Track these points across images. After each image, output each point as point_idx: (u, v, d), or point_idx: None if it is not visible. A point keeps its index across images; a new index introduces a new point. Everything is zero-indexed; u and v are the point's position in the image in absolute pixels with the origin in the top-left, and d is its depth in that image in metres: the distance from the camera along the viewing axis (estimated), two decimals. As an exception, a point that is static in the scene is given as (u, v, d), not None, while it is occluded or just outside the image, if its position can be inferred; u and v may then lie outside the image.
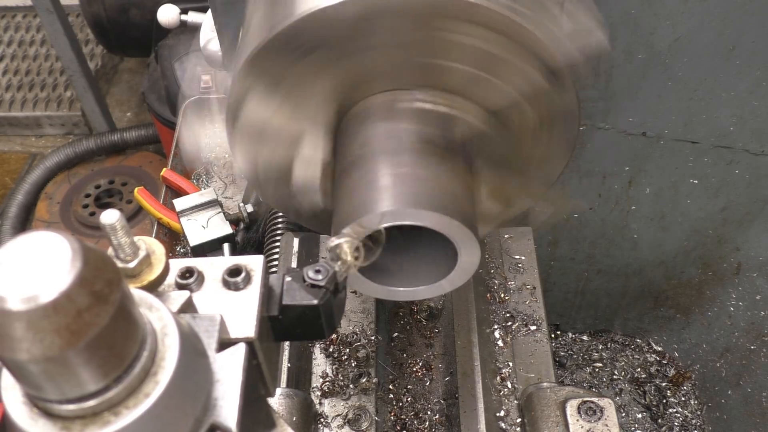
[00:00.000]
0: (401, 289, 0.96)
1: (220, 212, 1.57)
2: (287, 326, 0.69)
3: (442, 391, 1.24)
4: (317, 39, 0.85)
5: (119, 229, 0.56)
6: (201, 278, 0.67)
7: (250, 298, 0.65)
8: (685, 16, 1.32)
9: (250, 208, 1.59)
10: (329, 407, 1.18)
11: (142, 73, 3.78)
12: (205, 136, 0.96)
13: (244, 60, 0.88)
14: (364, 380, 1.19)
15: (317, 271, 0.70)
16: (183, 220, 1.55)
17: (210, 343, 0.57)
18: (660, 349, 2.24)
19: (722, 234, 1.80)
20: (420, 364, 1.27)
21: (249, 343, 0.61)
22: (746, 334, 1.91)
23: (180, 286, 0.66)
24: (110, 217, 0.55)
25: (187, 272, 0.66)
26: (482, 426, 1.10)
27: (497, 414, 1.18)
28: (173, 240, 1.66)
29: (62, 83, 3.80)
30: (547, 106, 0.91)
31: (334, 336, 1.24)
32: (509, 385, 1.21)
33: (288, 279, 0.69)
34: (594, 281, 2.09)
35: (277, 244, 1.37)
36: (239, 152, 1.01)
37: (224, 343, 0.59)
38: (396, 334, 1.32)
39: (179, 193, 1.68)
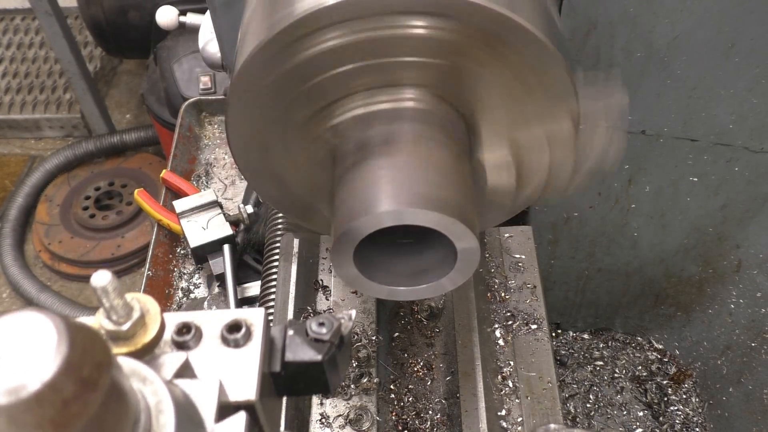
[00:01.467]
0: (402, 288, 0.96)
1: (220, 213, 1.57)
2: (289, 382, 0.66)
3: (443, 391, 1.24)
4: (334, 32, 0.84)
5: (111, 291, 0.53)
6: (199, 334, 0.63)
7: (251, 356, 0.62)
8: (684, 14, 1.32)
9: (250, 209, 1.59)
10: (330, 407, 1.18)
11: (141, 74, 3.78)
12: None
13: (245, 58, 0.88)
14: (365, 380, 1.19)
15: (321, 324, 0.66)
16: (183, 221, 1.55)
17: (208, 413, 0.55)
18: (661, 347, 2.24)
19: (722, 231, 1.80)
20: (421, 363, 1.28)
21: (250, 406, 0.59)
22: (747, 331, 1.91)
23: (177, 344, 0.62)
24: (101, 279, 0.52)
25: (184, 328, 0.63)
26: (484, 425, 1.10)
27: (498, 413, 1.18)
28: (173, 241, 1.66)
29: (61, 85, 3.80)
30: (520, 63, 0.89)
31: (335, 336, 1.24)
32: (510, 384, 1.21)
33: (290, 332, 0.66)
34: (594, 280, 2.09)
35: (278, 244, 1.37)
36: (239, 154, 1.02)
37: (224, 407, 0.57)
38: (397, 333, 1.32)
39: (179, 194, 1.68)
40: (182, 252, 1.65)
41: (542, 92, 0.90)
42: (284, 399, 1.09)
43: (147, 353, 0.57)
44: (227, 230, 1.54)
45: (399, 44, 0.86)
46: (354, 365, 1.21)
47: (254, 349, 0.63)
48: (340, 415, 1.17)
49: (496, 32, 0.83)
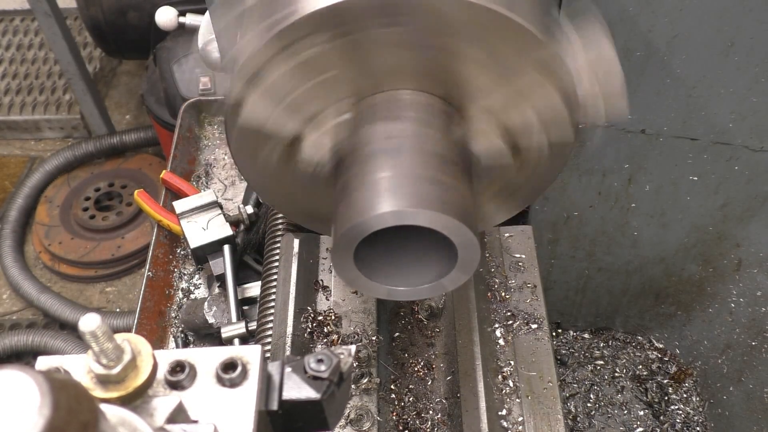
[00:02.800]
0: (402, 288, 0.96)
1: (220, 214, 1.57)
2: (287, 420, 0.64)
3: (443, 391, 1.24)
4: (315, 39, 0.85)
5: (100, 335, 0.52)
6: (193, 373, 0.62)
7: (247, 396, 0.60)
8: (683, 12, 1.32)
9: (250, 210, 1.59)
10: (331, 408, 1.18)
11: (141, 75, 3.78)
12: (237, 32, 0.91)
13: (242, 63, 0.88)
14: (365, 380, 1.19)
15: (319, 361, 0.64)
16: (183, 222, 1.55)
17: None
18: (661, 346, 2.24)
19: (722, 230, 1.80)
20: (421, 363, 1.27)
21: None
22: (747, 330, 1.91)
23: (170, 384, 0.61)
24: (90, 323, 0.50)
25: (178, 366, 0.61)
26: (484, 425, 1.10)
27: (499, 413, 1.18)
28: (173, 242, 1.66)
29: (61, 86, 3.80)
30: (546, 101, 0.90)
31: (335, 337, 1.24)
32: (511, 384, 1.21)
33: (288, 370, 0.64)
34: (595, 279, 2.09)
35: (278, 245, 1.37)
36: (239, 155, 1.02)
37: None
38: (397, 333, 1.32)
39: (179, 195, 1.68)
40: (182, 253, 1.65)
41: (525, 73, 0.91)
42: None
43: (139, 396, 0.56)
44: (227, 231, 1.54)
45: (390, 44, 0.86)
46: (354, 366, 1.21)
47: (250, 388, 0.61)
48: (340, 415, 1.17)
49: (479, 23, 0.83)
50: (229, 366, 0.61)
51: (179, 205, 1.57)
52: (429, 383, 1.26)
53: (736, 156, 1.59)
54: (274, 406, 0.63)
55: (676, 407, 2.12)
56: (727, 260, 1.87)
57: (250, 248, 1.60)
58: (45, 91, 3.81)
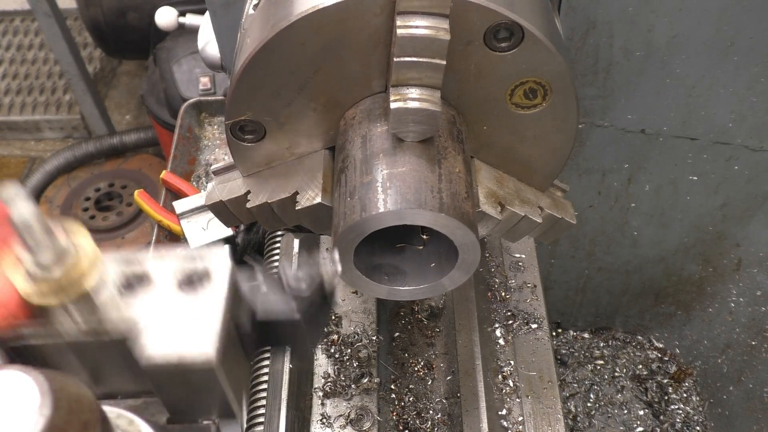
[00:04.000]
0: (402, 288, 0.96)
1: (220, 214, 1.56)
2: (260, 338, 0.58)
3: (443, 391, 1.24)
4: (312, 41, 0.85)
5: (35, 226, 0.44)
6: (147, 279, 0.55)
7: (212, 304, 0.54)
8: (683, 13, 1.32)
9: (250, 210, 1.59)
10: (331, 407, 1.18)
11: (141, 75, 3.78)
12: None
13: (237, 70, 0.88)
14: (365, 380, 1.19)
15: (299, 279, 0.58)
16: (183, 222, 1.55)
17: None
18: (661, 345, 2.24)
19: (722, 230, 1.80)
20: (422, 363, 1.28)
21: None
22: (747, 330, 1.91)
23: (124, 289, 0.55)
24: (22, 210, 0.42)
25: (132, 273, 0.54)
26: (484, 425, 1.10)
27: (499, 413, 1.18)
28: (174, 242, 1.66)
29: (61, 87, 3.80)
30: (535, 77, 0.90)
31: (335, 336, 1.24)
32: (511, 384, 1.21)
33: (263, 288, 0.58)
34: (594, 279, 2.09)
35: (278, 245, 1.37)
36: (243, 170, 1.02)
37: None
38: (397, 333, 1.32)
39: (179, 195, 1.68)
40: (182, 253, 1.65)
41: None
42: (284, 399, 1.09)
43: (85, 299, 0.51)
44: (227, 231, 1.54)
45: (401, 45, 0.86)
46: (354, 365, 1.21)
47: (217, 296, 0.55)
48: (341, 415, 1.17)
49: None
50: (193, 273, 0.55)
51: (179, 205, 1.57)
52: (429, 383, 1.26)
53: (736, 156, 1.59)
54: (247, 326, 0.57)
55: (676, 407, 2.12)
56: (727, 260, 1.87)
57: (250, 248, 1.60)
58: (45, 91, 3.81)
